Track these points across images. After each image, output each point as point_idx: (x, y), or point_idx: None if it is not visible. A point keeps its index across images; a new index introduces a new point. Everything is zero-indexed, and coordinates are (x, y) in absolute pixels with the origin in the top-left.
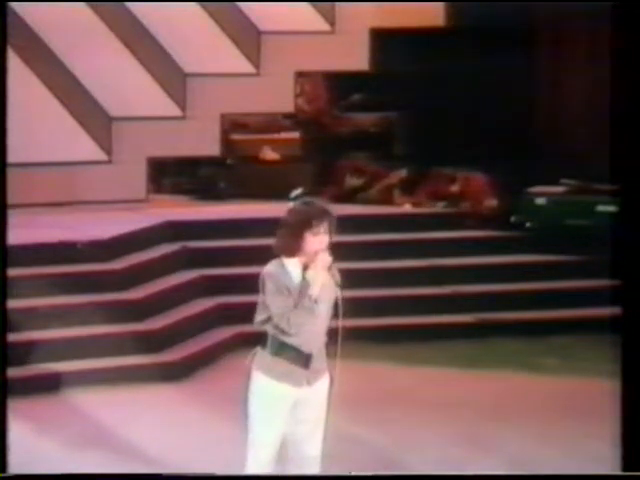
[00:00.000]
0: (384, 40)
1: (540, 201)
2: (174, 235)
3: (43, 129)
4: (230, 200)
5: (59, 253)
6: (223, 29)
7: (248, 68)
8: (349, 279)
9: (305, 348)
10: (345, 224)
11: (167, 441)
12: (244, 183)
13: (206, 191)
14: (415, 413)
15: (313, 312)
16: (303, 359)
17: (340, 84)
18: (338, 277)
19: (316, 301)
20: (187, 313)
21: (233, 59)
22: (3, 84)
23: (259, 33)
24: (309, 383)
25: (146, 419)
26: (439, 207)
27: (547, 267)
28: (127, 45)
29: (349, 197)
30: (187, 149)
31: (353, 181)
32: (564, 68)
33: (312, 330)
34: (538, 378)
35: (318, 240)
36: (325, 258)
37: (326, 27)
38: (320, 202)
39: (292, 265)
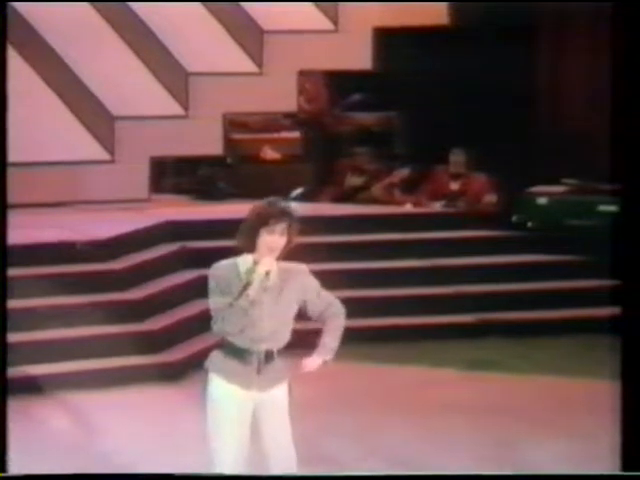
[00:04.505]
0: (387, 39)
1: (541, 201)
2: (174, 235)
3: (45, 128)
4: (230, 200)
5: (59, 253)
6: (226, 28)
7: (251, 67)
8: (349, 279)
9: (255, 350)
10: (345, 224)
11: (166, 441)
12: (244, 183)
13: (206, 191)
14: (416, 413)
15: (247, 313)
16: (254, 362)
17: (341, 83)
18: (312, 282)
19: (252, 302)
20: (187, 313)
21: (236, 58)
22: (4, 83)
23: (262, 32)
24: (261, 388)
25: (146, 419)
26: (440, 207)
27: (547, 267)
28: (129, 44)
29: (350, 196)
30: (190, 148)
31: (354, 180)
32: (565, 68)
33: (258, 331)
34: (538, 378)
35: (271, 240)
36: (269, 261)
37: (329, 26)
38: (285, 203)
39: (244, 264)
